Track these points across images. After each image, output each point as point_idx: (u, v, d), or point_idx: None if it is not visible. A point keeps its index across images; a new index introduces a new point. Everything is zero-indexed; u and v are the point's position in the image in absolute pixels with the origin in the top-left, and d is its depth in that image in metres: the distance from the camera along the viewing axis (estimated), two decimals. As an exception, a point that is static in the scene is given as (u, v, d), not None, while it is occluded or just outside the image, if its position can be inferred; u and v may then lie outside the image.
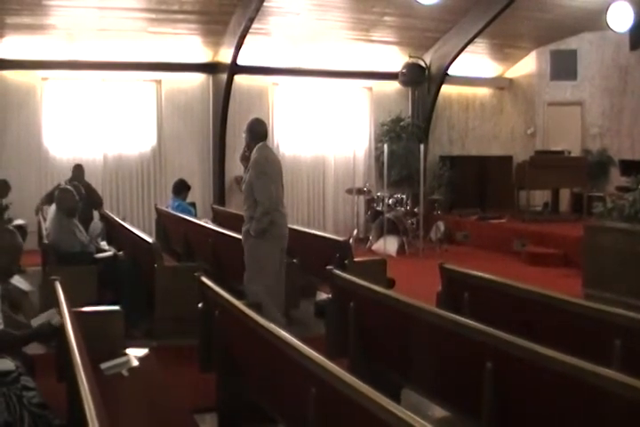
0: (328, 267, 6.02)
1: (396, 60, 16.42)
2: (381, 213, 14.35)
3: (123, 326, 5.56)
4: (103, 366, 5.04)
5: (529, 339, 3.70)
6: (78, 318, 4.74)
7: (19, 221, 12.39)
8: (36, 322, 5.03)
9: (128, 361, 5.25)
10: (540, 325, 4.99)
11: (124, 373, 5.06)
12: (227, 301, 4.97)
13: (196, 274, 5.68)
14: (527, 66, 17.85)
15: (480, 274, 5.83)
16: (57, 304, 4.99)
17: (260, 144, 7.25)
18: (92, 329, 5.09)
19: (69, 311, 4.69)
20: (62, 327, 4.48)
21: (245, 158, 7.47)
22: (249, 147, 7.36)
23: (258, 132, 7.34)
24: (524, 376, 3.69)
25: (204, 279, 5.54)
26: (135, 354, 5.46)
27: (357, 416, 3.04)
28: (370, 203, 15.45)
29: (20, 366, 4.39)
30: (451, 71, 16.50)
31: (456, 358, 4.33)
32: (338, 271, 5.92)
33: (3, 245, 4.93)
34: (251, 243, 7.12)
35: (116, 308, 5.67)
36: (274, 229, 7.07)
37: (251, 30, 13.63)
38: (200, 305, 5.53)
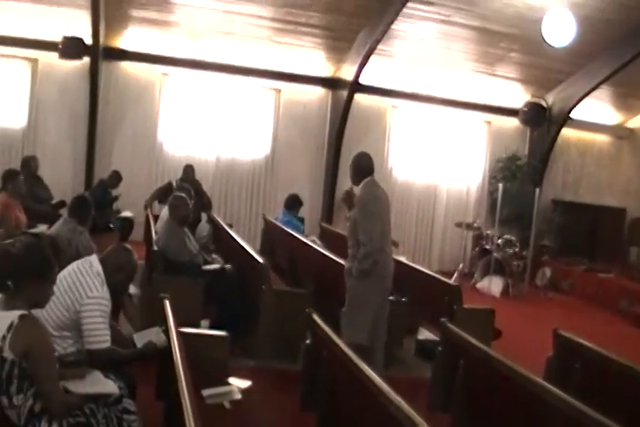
0: (442, 319, 5.78)
1: (517, 97, 16.17)
2: (490, 251, 14.23)
3: (228, 352, 5.43)
4: (205, 392, 4.92)
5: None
6: (184, 340, 4.67)
7: (126, 213, 12.63)
8: (139, 338, 5.05)
9: (231, 392, 5.13)
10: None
11: (227, 404, 4.93)
12: (335, 344, 4.81)
13: (307, 311, 5.53)
14: (649, 118, 17.34)
15: (595, 347, 5.49)
16: (164, 323, 4.98)
17: (368, 179, 6.96)
18: (197, 352, 4.99)
19: (177, 332, 4.66)
20: (168, 348, 4.50)
21: (347, 200, 7.25)
22: (354, 181, 7.13)
23: (364, 166, 7.03)
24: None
25: (315, 317, 5.38)
26: (238, 385, 5.32)
27: None
28: (478, 239, 15.29)
29: (124, 387, 4.35)
30: (572, 115, 16.15)
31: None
32: (451, 325, 5.70)
33: (120, 263, 4.98)
34: (353, 282, 6.86)
35: (223, 333, 5.56)
36: (377, 270, 6.76)
37: (375, 51, 13.64)
38: (307, 342, 5.42)
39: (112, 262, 4.91)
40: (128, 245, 5.23)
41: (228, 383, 5.24)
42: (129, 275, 5.04)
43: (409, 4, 12.32)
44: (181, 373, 3.82)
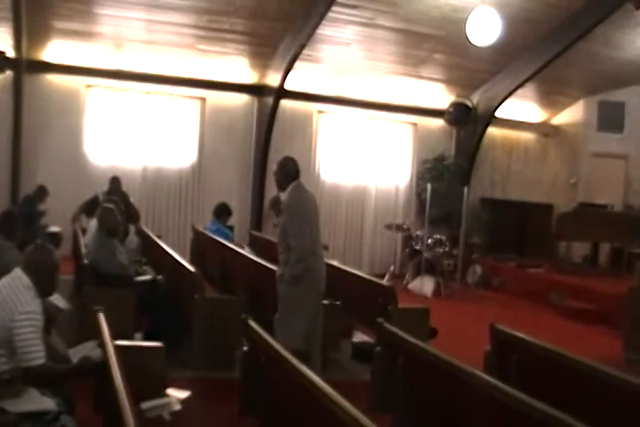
0: (378, 320, 5.72)
1: (443, 97, 16.38)
2: (420, 252, 14.30)
3: (165, 363, 5.34)
4: (144, 405, 4.82)
5: (578, 416, 3.52)
6: (120, 353, 4.52)
7: (54, 228, 12.35)
8: (75, 353, 4.92)
9: (170, 404, 5.02)
10: (590, 401, 4.70)
11: (166, 416, 4.85)
12: (274, 349, 4.78)
13: (243, 317, 5.46)
14: (574, 114, 17.69)
15: (531, 339, 5.53)
16: (99, 336, 4.85)
17: (294, 184, 6.89)
18: (134, 365, 4.83)
19: (112, 346, 4.54)
20: (104, 362, 4.37)
21: (275, 206, 7.19)
22: (280, 187, 7.06)
23: (290, 171, 6.94)
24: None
25: (252, 323, 5.31)
26: (177, 396, 5.25)
27: None
28: (408, 240, 15.35)
29: (61, 403, 4.27)
30: (497, 113, 16.38)
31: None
32: (388, 325, 5.67)
33: (42, 262, 4.78)
34: (285, 288, 6.77)
35: (159, 344, 5.45)
36: (309, 275, 6.67)
37: (300, 56, 13.64)
38: (245, 348, 5.36)
39: (34, 265, 4.73)
40: (43, 244, 5.08)
41: (167, 395, 5.16)
42: (51, 275, 4.82)
43: (333, 8, 12.37)
44: (120, 386, 3.73)
